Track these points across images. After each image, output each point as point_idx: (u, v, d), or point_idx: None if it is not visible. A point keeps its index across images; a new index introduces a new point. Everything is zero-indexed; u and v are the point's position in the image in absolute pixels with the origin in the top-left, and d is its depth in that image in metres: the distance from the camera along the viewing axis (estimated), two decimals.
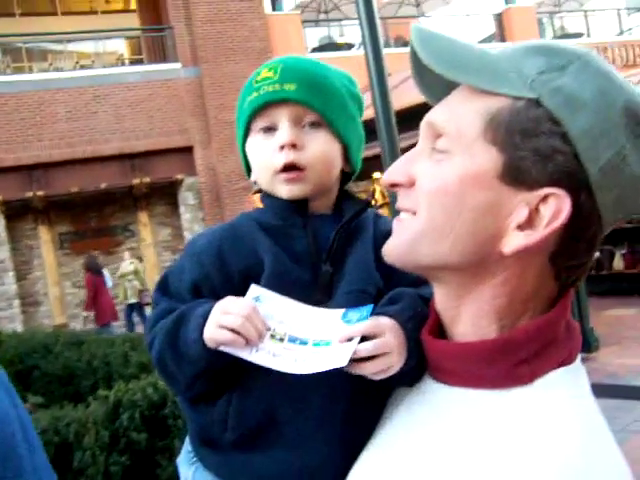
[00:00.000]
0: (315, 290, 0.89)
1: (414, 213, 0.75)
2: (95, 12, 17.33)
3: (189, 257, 0.94)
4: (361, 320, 0.79)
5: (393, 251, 0.78)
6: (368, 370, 0.77)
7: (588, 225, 0.69)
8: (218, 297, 0.87)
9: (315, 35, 15.96)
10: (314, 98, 0.93)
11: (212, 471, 0.92)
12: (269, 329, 0.80)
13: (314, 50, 15.14)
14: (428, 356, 0.79)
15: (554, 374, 0.71)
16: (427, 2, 17.93)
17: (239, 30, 13.11)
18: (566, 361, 0.73)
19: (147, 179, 12.53)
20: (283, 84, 0.93)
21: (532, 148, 0.66)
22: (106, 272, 10.87)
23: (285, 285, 0.86)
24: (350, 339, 0.77)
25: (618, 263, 9.80)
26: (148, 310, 10.34)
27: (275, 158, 0.93)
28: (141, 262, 11.77)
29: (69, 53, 14.25)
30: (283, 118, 0.93)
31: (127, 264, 11.26)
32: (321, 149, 0.94)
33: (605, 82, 0.69)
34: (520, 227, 0.68)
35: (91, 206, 12.81)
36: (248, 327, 0.78)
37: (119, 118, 12.59)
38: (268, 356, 0.77)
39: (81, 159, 12.31)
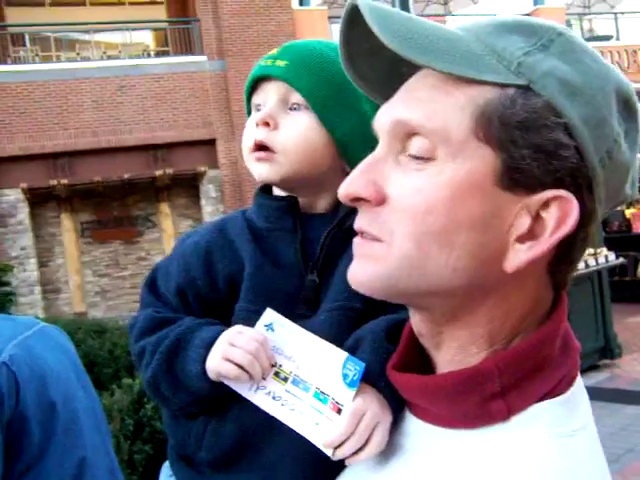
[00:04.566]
0: (300, 302, 0.83)
1: (384, 241, 0.61)
2: (122, 3, 17.37)
3: (177, 258, 0.89)
4: (353, 383, 0.72)
5: (366, 282, 0.63)
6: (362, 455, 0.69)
7: (588, 224, 0.60)
8: (203, 301, 0.84)
9: None
10: (300, 79, 0.86)
11: None
12: (275, 364, 0.75)
13: None
14: (398, 390, 0.69)
15: (536, 408, 0.61)
16: (455, 0, 17.81)
17: (266, 24, 13.09)
18: (556, 390, 0.62)
19: (170, 170, 12.57)
20: (276, 60, 0.88)
21: (534, 144, 0.56)
22: None
23: (266, 296, 0.81)
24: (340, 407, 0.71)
25: None
26: None
27: (249, 135, 0.88)
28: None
29: (96, 43, 14.35)
30: (271, 96, 0.88)
31: None
32: (296, 133, 0.86)
33: (593, 63, 0.60)
34: (520, 239, 0.58)
35: (113, 196, 12.89)
36: (254, 365, 0.73)
37: (144, 109, 12.64)
38: (267, 398, 0.73)
39: (105, 149, 12.38)
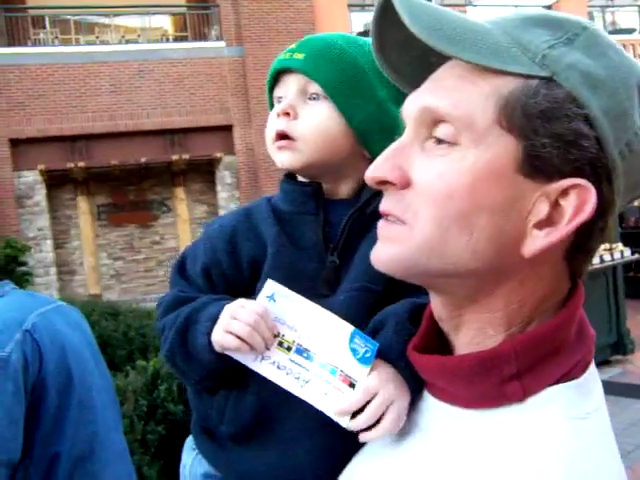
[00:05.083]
0: (320, 282, 0.87)
1: (407, 223, 0.63)
2: None
3: (203, 241, 0.94)
4: (365, 360, 0.74)
5: (387, 262, 0.66)
6: (377, 430, 0.71)
7: (606, 215, 0.62)
8: (227, 282, 0.88)
9: (361, 20, 15.81)
10: (318, 70, 0.90)
11: (207, 460, 0.92)
12: (278, 334, 0.77)
13: (359, 35, 15.00)
14: (417, 370, 0.71)
15: (551, 391, 0.63)
16: None
17: (285, 11, 13.05)
18: (571, 374, 0.64)
19: (186, 156, 12.61)
20: (294, 53, 0.92)
21: (554, 133, 0.57)
22: None
23: (288, 276, 0.84)
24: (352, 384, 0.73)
25: None
26: None
27: (271, 126, 0.93)
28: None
29: (116, 27, 14.36)
30: (291, 87, 0.92)
31: None
32: (315, 122, 0.90)
33: (617, 57, 0.62)
34: (538, 225, 0.60)
35: (130, 179, 12.95)
36: (255, 336, 0.75)
37: (161, 94, 12.66)
38: (272, 367, 0.75)
39: (122, 133, 12.43)
